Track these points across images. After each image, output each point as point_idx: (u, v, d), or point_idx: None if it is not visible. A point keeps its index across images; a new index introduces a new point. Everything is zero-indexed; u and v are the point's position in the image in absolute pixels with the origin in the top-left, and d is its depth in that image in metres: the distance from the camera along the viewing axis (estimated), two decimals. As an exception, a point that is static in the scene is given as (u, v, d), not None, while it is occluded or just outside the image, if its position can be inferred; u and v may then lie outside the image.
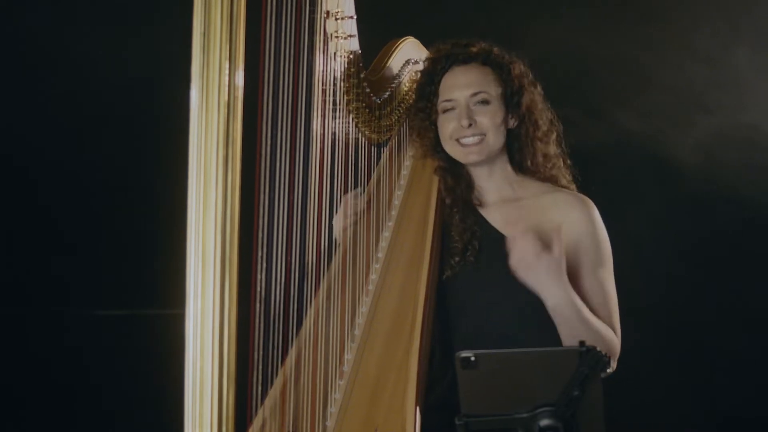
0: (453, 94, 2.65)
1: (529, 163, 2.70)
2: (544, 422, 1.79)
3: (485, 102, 2.64)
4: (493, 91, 2.65)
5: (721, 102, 4.29)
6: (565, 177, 2.75)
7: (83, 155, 4.09)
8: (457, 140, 2.64)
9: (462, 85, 2.65)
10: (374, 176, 2.82)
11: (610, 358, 1.76)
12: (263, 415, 2.22)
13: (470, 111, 2.62)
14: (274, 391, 2.26)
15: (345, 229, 2.72)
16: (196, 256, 1.73)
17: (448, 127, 2.65)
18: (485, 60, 2.69)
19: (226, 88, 1.74)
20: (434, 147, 2.73)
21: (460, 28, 2.82)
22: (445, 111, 2.66)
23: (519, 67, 2.72)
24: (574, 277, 2.57)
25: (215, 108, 1.73)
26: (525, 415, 1.80)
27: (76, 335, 4.07)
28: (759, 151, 4.29)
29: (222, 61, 1.75)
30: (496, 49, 2.71)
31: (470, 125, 2.61)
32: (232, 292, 1.75)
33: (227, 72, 1.74)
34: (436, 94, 2.68)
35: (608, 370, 2.35)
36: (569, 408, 1.78)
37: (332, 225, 2.64)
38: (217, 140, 1.73)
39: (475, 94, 2.63)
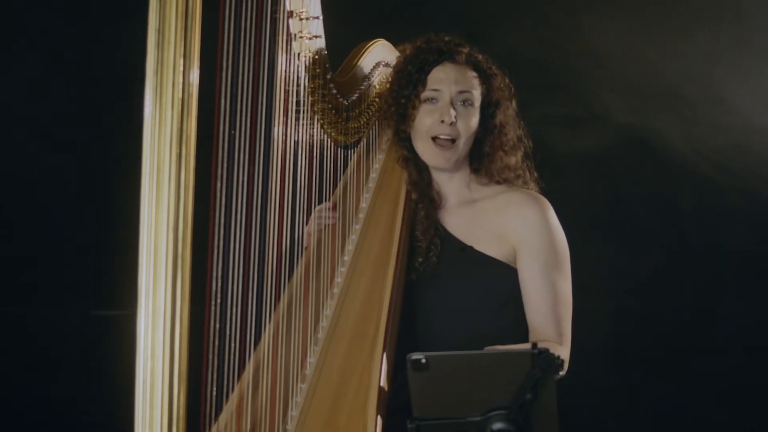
0: (441, 86, 2.65)
1: (484, 171, 2.71)
2: (497, 426, 1.77)
3: (467, 102, 2.64)
4: (477, 96, 2.66)
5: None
6: (528, 185, 2.74)
7: (35, 152, 4.06)
8: (432, 138, 2.64)
9: (452, 80, 2.65)
10: (342, 179, 2.80)
11: (562, 361, 1.74)
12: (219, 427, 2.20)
13: (454, 108, 2.62)
14: (233, 395, 2.24)
15: (309, 235, 2.71)
16: (148, 254, 1.72)
17: (426, 120, 2.65)
18: (475, 66, 2.69)
19: (180, 86, 1.72)
20: (404, 137, 2.73)
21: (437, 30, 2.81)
22: (426, 100, 2.66)
23: (501, 81, 2.73)
24: (523, 277, 2.56)
25: (169, 105, 1.72)
26: (477, 418, 1.77)
27: (27, 334, 4.04)
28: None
29: (176, 58, 1.73)
30: (480, 56, 2.72)
31: (452, 123, 2.60)
32: (184, 291, 1.73)
33: (181, 69, 1.73)
34: (423, 83, 2.67)
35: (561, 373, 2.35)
36: (522, 411, 1.75)
37: (300, 233, 2.60)
38: (170, 138, 1.72)
39: (462, 92, 2.64)
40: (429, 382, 1.77)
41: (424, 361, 1.75)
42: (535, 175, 2.77)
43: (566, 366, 2.56)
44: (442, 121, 2.62)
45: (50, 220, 4.07)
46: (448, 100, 2.63)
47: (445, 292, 2.60)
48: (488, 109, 2.69)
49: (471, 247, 2.62)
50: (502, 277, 2.60)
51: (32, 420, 3.99)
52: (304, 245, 2.67)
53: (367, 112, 2.80)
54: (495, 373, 1.77)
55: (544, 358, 1.72)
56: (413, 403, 1.80)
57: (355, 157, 2.87)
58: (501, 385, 1.76)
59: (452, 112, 2.62)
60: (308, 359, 2.39)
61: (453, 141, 2.63)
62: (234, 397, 2.22)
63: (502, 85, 2.72)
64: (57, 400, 3.99)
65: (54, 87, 4.05)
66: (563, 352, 2.55)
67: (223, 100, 1.99)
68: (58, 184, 4.06)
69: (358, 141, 2.83)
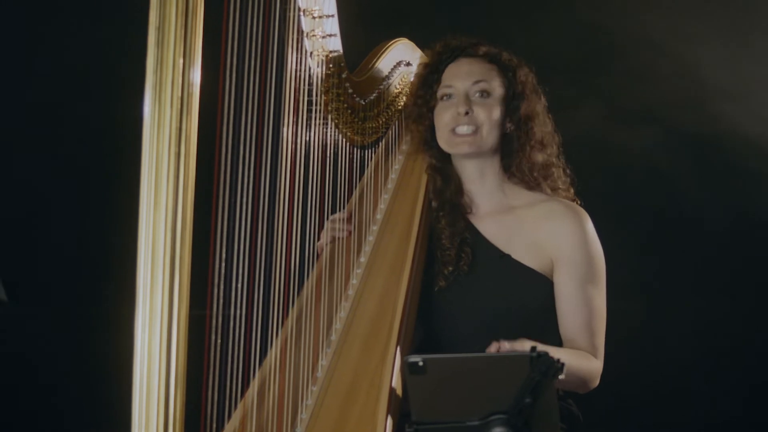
0: (454, 81, 2.63)
1: (514, 168, 2.65)
2: (497, 430, 1.73)
3: (485, 94, 2.61)
4: (495, 87, 2.62)
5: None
6: (561, 186, 2.69)
7: (36, 150, 4.05)
8: (452, 130, 2.60)
9: (464, 74, 2.63)
10: (360, 183, 2.77)
11: (562, 365, 1.69)
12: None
13: (469, 100, 2.59)
14: (242, 400, 2.21)
15: (322, 249, 2.69)
16: (146, 254, 1.71)
17: (444, 115, 2.62)
18: (492, 59, 2.67)
19: (180, 84, 1.71)
20: (427, 139, 2.69)
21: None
22: (443, 98, 2.63)
23: (525, 73, 2.68)
24: (559, 290, 2.52)
25: (168, 104, 1.71)
26: (477, 422, 1.74)
27: (24, 335, 4.02)
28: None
29: (176, 56, 1.72)
30: (505, 54, 2.69)
31: (467, 113, 2.57)
32: (182, 292, 1.72)
33: (181, 68, 1.72)
34: (438, 82, 2.65)
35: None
36: (522, 415, 1.71)
37: (312, 235, 2.56)
38: (169, 136, 1.71)
39: (476, 82, 2.61)
40: (427, 385, 1.74)
41: (421, 363, 1.72)
42: (569, 172, 2.72)
43: (597, 381, 2.53)
44: (459, 114, 2.58)
45: (49, 220, 4.07)
46: (463, 93, 2.60)
47: (481, 298, 2.55)
48: (512, 102, 2.64)
49: (509, 256, 2.58)
50: (538, 288, 2.56)
51: (30, 420, 4.01)
52: (318, 255, 2.65)
53: (387, 112, 2.77)
54: (493, 376, 1.73)
55: (543, 361, 1.68)
56: (411, 407, 1.77)
57: (374, 159, 2.84)
58: (500, 389, 1.72)
59: (467, 103, 2.58)
60: (320, 362, 2.37)
61: (474, 132, 2.59)
62: (242, 402, 2.19)
63: (525, 78, 2.67)
64: (54, 401, 3.98)
65: (54, 84, 4.04)
66: (597, 364, 2.51)
67: (227, 100, 1.97)
68: (56, 182, 4.06)
69: (377, 141, 2.80)
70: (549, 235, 2.57)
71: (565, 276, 2.54)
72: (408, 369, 1.72)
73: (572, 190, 2.71)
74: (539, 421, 1.72)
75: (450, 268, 2.58)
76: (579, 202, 2.68)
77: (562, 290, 2.54)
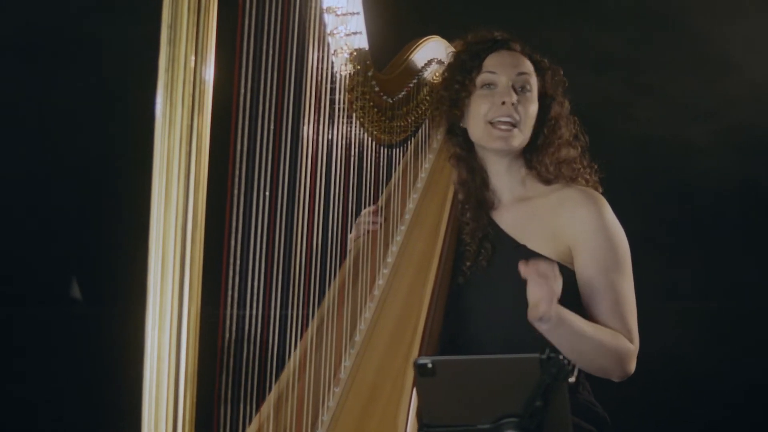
0: (499, 69, 2.57)
1: (536, 163, 2.59)
2: (508, 434, 1.70)
3: (527, 87, 2.56)
4: (534, 84, 2.59)
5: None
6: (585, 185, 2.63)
7: (47, 148, 4.07)
8: (490, 122, 2.54)
9: (509, 65, 2.57)
10: (390, 182, 2.73)
11: (573, 367, 1.65)
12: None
13: (515, 91, 2.54)
14: (265, 402, 2.20)
15: (354, 240, 2.66)
16: (156, 253, 1.71)
17: (483, 104, 2.55)
18: (530, 57, 2.63)
19: (192, 82, 1.71)
20: (455, 127, 2.64)
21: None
22: (483, 86, 2.57)
23: (556, 76, 2.65)
24: (580, 278, 2.46)
25: (180, 103, 1.71)
26: (488, 426, 1.70)
27: (32, 334, 4.05)
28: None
29: (188, 54, 1.71)
30: (536, 55, 2.65)
31: (513, 104, 2.52)
32: (193, 292, 1.71)
33: (192, 66, 1.71)
34: (478, 69, 2.58)
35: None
36: (533, 419, 1.67)
37: (335, 235, 2.53)
38: (180, 135, 1.70)
39: (521, 74, 2.56)
40: (437, 387, 1.70)
41: (430, 365, 1.68)
42: (596, 167, 2.65)
43: (633, 364, 2.41)
44: (503, 103, 2.52)
45: (60, 218, 4.08)
46: (507, 83, 2.54)
47: (497, 293, 2.49)
48: (544, 101, 2.60)
49: (524, 246, 2.52)
50: None
51: (36, 420, 4.03)
52: (350, 249, 2.63)
53: (416, 111, 2.72)
54: (503, 378, 1.69)
55: (553, 364, 1.64)
56: (422, 410, 1.74)
57: (403, 159, 2.80)
58: (511, 391, 1.68)
59: (513, 94, 2.53)
60: (343, 363, 2.34)
61: (513, 125, 2.53)
62: (262, 404, 2.18)
63: (556, 79, 2.63)
64: (63, 400, 4.00)
65: (65, 82, 4.05)
66: (629, 345, 2.41)
67: (242, 98, 1.96)
68: (67, 180, 4.08)
69: (405, 140, 2.75)
70: (565, 222, 2.51)
71: (586, 263, 2.46)
72: (417, 371, 1.69)
73: (600, 190, 2.65)
74: (552, 425, 1.68)
75: (468, 263, 2.53)
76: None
77: (583, 277, 2.46)
